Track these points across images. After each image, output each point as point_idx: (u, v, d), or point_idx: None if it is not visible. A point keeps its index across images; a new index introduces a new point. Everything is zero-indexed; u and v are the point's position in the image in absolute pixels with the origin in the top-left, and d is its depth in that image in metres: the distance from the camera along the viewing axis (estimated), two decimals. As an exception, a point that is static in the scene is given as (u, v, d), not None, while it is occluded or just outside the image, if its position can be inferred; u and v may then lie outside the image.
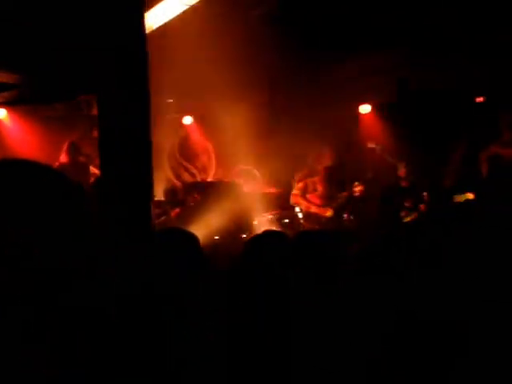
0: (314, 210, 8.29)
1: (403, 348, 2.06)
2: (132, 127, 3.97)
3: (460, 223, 2.21)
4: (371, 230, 8.11)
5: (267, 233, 3.34)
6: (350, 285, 2.55)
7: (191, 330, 2.17)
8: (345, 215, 8.26)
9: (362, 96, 9.55)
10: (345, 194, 8.18)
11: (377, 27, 7.44)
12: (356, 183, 8.14)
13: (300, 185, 8.42)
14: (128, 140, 3.99)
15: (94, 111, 9.21)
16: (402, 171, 8.08)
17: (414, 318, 2.09)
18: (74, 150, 8.95)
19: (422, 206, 7.68)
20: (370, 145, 8.61)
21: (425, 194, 7.59)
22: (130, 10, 3.71)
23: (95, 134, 9.17)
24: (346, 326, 2.27)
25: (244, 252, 3.14)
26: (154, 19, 7.38)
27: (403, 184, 8.10)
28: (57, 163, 8.79)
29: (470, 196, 6.97)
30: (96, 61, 3.74)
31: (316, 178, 8.37)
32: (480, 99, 8.60)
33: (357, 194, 8.17)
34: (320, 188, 8.33)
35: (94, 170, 8.80)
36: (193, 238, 2.59)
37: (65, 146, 8.97)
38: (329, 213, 8.22)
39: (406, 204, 7.90)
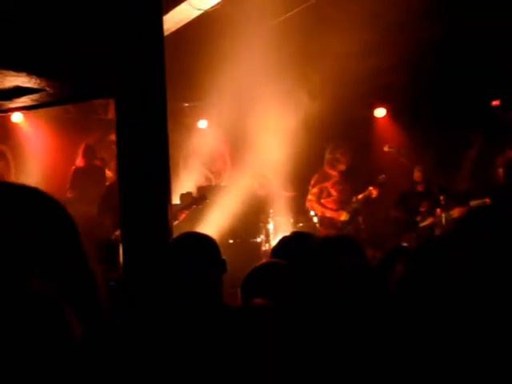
0: (329, 214, 8.28)
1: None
2: (150, 131, 3.98)
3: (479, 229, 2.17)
4: (387, 235, 8.09)
5: (297, 234, 3.35)
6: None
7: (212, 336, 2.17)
8: (360, 219, 8.24)
9: (377, 99, 9.54)
10: (360, 198, 8.15)
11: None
12: (371, 187, 8.10)
13: (315, 190, 8.40)
14: (146, 144, 4.00)
15: (110, 115, 9.29)
16: (417, 175, 8.05)
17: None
18: (89, 154, 9.00)
19: (438, 211, 7.64)
20: (386, 148, 8.58)
21: (441, 197, 7.55)
22: (148, 14, 3.72)
23: (111, 137, 9.24)
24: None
25: (273, 252, 3.14)
26: (166, 25, 7.41)
27: (419, 188, 8.07)
28: (73, 167, 8.85)
29: (487, 201, 6.92)
30: (114, 65, 3.76)
31: (330, 183, 8.35)
32: (496, 102, 8.56)
33: (372, 198, 8.15)
34: (335, 192, 8.31)
35: (109, 173, 8.84)
36: (211, 242, 2.59)
37: (80, 150, 9.02)
38: (344, 217, 8.20)
39: (422, 208, 7.86)
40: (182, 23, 7.16)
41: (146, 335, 2.17)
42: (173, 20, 6.84)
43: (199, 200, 7.96)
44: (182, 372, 2.18)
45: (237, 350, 2.18)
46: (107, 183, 8.14)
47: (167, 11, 6.89)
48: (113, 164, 8.69)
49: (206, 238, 2.61)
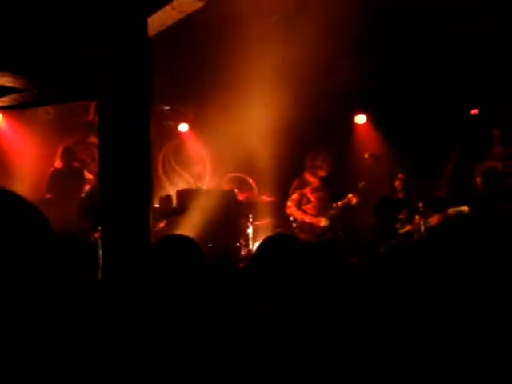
0: (308, 220, 8.29)
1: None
2: (132, 134, 3.96)
3: (455, 236, 2.20)
4: (366, 241, 8.13)
5: (280, 236, 3.34)
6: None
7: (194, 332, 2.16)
8: (339, 226, 8.26)
9: (357, 106, 9.61)
10: (339, 205, 8.18)
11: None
12: (350, 195, 8.14)
13: (294, 196, 8.41)
14: (127, 147, 3.98)
15: (91, 116, 9.23)
16: (397, 183, 8.09)
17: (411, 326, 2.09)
18: (68, 156, 8.92)
19: (416, 218, 7.69)
20: (366, 155, 8.62)
21: (420, 205, 7.60)
22: (133, 17, 3.71)
23: (92, 139, 9.19)
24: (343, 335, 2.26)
25: (255, 254, 3.14)
26: (150, 26, 7.39)
27: (398, 195, 8.12)
28: (51, 168, 8.77)
29: (466, 209, 6.99)
30: (98, 67, 3.74)
31: (309, 189, 8.36)
32: (475, 111, 8.65)
33: (351, 205, 8.18)
34: (314, 199, 8.32)
35: (89, 175, 8.77)
36: (193, 244, 2.58)
37: (59, 151, 8.94)
38: (323, 223, 8.22)
39: (401, 216, 7.91)
40: (166, 25, 7.15)
41: (126, 335, 2.15)
42: (158, 22, 6.83)
43: (179, 211, 7.98)
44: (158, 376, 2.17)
45: (222, 351, 2.18)
46: (88, 186, 8.06)
47: (151, 13, 6.87)
48: (93, 166, 8.64)
49: (188, 240, 2.60)
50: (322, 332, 2.22)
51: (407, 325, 1.98)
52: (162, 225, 7.94)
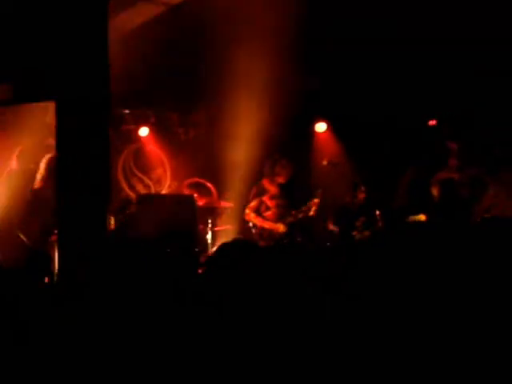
0: (267, 225, 8.31)
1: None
2: (91, 136, 3.93)
3: (412, 241, 2.25)
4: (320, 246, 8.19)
5: (236, 241, 3.34)
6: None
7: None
8: (297, 232, 8.31)
9: (318, 113, 9.67)
10: (299, 213, 8.23)
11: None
12: (308, 203, 8.20)
13: (252, 204, 8.43)
14: (86, 149, 3.95)
15: (48, 118, 9.08)
16: (358, 193, 8.18)
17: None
18: (24, 157, 8.77)
19: (374, 226, 7.79)
20: (324, 162, 8.70)
21: (377, 212, 7.69)
22: (93, 17, 3.68)
23: (49, 141, 9.04)
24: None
25: (211, 259, 3.13)
26: (126, 21, 7.36)
27: (356, 203, 8.20)
28: (7, 169, 8.61)
29: (423, 217, 7.11)
30: (56, 67, 3.70)
31: (267, 197, 8.38)
32: (433, 122, 8.79)
33: (311, 212, 8.23)
34: (273, 206, 8.35)
35: (37, 176, 8.63)
36: (153, 247, 2.58)
37: (16, 153, 8.78)
38: (281, 229, 8.26)
39: (358, 223, 7.99)
40: (131, 26, 7.12)
41: (83, 340, 2.13)
42: (132, 17, 6.80)
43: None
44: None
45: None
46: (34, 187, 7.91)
47: (118, 13, 6.84)
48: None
49: (146, 243, 2.60)
50: (277, 336, 2.23)
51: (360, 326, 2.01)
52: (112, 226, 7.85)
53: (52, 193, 6.72)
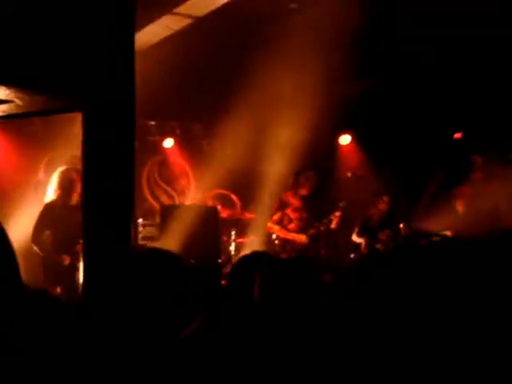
0: (290, 237, 8.31)
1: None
2: (116, 147, 3.96)
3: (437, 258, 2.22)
4: (346, 261, 8.16)
5: (256, 254, 3.36)
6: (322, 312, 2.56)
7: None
8: (321, 244, 8.29)
9: (342, 126, 9.67)
10: (320, 225, 8.22)
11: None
12: (331, 215, 8.19)
13: (275, 217, 8.44)
14: (111, 160, 3.97)
15: (76, 129, 9.19)
16: (382, 204, 8.14)
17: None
18: (52, 168, 8.86)
19: (398, 239, 7.74)
20: (349, 174, 8.68)
21: (401, 226, 7.66)
22: (121, 29, 3.72)
23: (77, 152, 9.14)
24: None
25: (232, 271, 3.14)
26: (152, 34, 7.44)
27: (380, 216, 8.17)
28: (35, 180, 8.73)
29: (448, 233, 7.05)
30: (84, 78, 3.75)
31: (290, 209, 8.38)
32: (458, 135, 8.74)
33: (333, 225, 8.21)
34: (296, 218, 8.35)
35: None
36: (176, 259, 2.59)
37: (43, 163, 8.90)
38: (304, 239, 8.24)
39: (383, 236, 7.96)
40: (156, 40, 7.19)
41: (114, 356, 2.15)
42: (148, 36, 6.87)
43: None
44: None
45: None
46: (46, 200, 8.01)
47: (144, 26, 6.91)
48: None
49: (171, 255, 2.61)
50: (292, 347, 2.23)
51: (374, 340, 2.00)
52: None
53: (64, 206, 6.85)
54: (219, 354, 2.26)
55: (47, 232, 6.85)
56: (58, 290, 6.58)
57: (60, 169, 7.14)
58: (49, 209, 6.89)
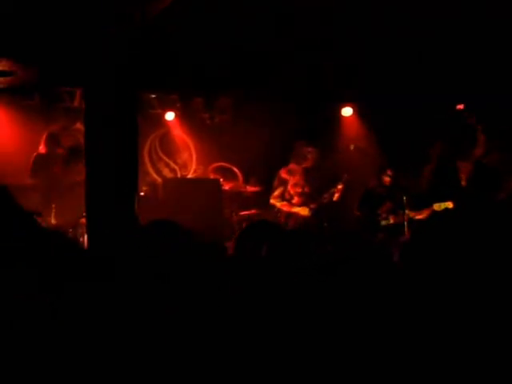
0: (292, 210, 8.32)
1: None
2: (118, 121, 3.95)
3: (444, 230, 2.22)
4: (348, 233, 8.16)
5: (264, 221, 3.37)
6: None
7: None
8: (324, 217, 8.31)
9: (344, 98, 9.61)
10: (322, 198, 8.24)
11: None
12: (334, 188, 8.19)
13: (276, 193, 8.46)
14: (114, 134, 3.97)
15: (76, 103, 9.16)
16: (385, 178, 8.12)
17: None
18: (52, 142, 8.86)
19: (400, 212, 7.74)
20: (351, 147, 8.66)
21: (404, 198, 7.64)
22: (121, 7, 3.69)
23: (77, 126, 9.12)
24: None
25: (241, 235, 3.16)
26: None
27: (383, 188, 8.15)
28: (35, 153, 8.71)
29: (450, 205, 7.04)
30: (84, 53, 3.72)
31: (292, 184, 8.38)
32: (460, 106, 8.67)
33: (335, 198, 8.22)
34: (297, 193, 8.35)
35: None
36: (183, 229, 2.59)
37: (44, 137, 8.88)
38: (306, 212, 8.26)
39: (383, 210, 7.95)
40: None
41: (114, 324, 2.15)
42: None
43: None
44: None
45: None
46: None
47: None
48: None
49: (177, 225, 2.61)
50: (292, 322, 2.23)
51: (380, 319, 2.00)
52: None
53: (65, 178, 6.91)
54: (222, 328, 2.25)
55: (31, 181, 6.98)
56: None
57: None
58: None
